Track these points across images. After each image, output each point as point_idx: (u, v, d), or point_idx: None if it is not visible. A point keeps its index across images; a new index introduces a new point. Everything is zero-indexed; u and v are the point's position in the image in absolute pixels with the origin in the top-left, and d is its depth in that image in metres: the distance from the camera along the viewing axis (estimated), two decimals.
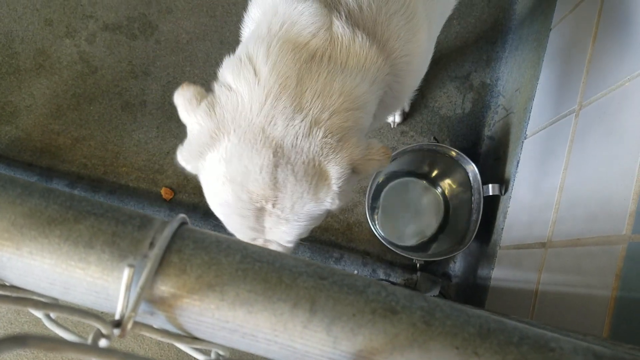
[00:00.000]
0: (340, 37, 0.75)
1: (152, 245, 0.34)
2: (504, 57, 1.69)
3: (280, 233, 0.78)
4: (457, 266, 1.61)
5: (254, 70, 0.72)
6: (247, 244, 0.36)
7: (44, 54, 1.69)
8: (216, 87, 0.77)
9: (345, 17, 0.76)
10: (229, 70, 0.76)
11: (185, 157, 0.77)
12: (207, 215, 1.64)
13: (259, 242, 0.82)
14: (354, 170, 0.76)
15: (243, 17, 1.70)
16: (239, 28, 1.70)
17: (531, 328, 0.34)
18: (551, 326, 0.73)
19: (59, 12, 1.71)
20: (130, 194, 1.65)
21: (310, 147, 0.71)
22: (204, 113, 0.73)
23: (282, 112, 0.70)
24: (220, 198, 0.76)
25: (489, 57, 1.70)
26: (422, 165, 1.61)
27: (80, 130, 1.67)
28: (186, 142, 0.77)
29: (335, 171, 0.74)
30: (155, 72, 1.70)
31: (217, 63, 1.69)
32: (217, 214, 0.81)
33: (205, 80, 1.69)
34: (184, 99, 0.76)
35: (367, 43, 0.76)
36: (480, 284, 1.42)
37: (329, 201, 0.76)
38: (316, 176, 0.73)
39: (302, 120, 0.71)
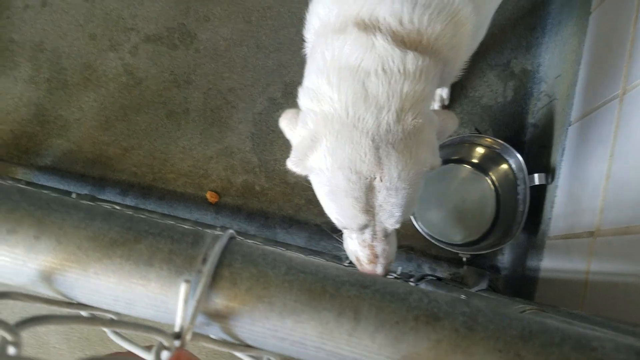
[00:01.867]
0: (389, 57, 0.83)
1: (204, 260, 0.36)
2: (544, 42, 1.65)
3: (391, 207, 0.88)
4: (505, 258, 1.60)
5: (328, 97, 0.85)
6: (291, 255, 0.38)
7: (90, 68, 1.76)
8: (302, 111, 0.91)
9: (389, 37, 0.84)
10: (307, 99, 0.89)
11: (294, 162, 0.91)
12: (250, 216, 1.68)
13: (368, 239, 0.96)
14: (438, 135, 0.91)
15: (278, 20, 1.73)
16: (274, 32, 1.73)
17: (573, 328, 0.35)
18: (601, 317, 0.72)
19: (101, 27, 1.78)
20: (178, 199, 1.71)
21: (403, 127, 0.83)
22: (301, 127, 0.89)
23: (366, 110, 0.82)
24: (332, 185, 0.87)
25: (529, 43, 1.67)
26: (462, 152, 1.58)
27: (128, 140, 1.73)
28: (292, 152, 0.92)
29: (429, 138, 0.87)
30: (196, 80, 1.74)
31: (254, 67, 1.73)
32: (330, 206, 0.92)
33: (244, 85, 1.73)
34: (286, 122, 0.93)
35: (419, 57, 0.84)
36: (529, 276, 1.41)
37: (430, 161, 0.87)
38: (414, 146, 0.84)
39: (388, 112, 0.82)
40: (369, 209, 0.89)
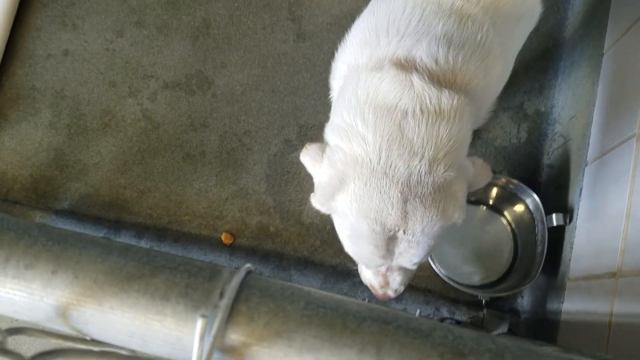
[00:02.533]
0: (426, 95, 0.83)
1: (221, 295, 0.35)
2: (557, 84, 1.66)
3: (410, 256, 0.89)
4: (524, 301, 1.56)
5: (360, 136, 0.83)
6: (310, 290, 0.38)
7: (109, 113, 1.80)
8: (328, 148, 0.90)
9: (426, 76, 0.85)
10: (336, 137, 0.88)
11: (319, 201, 0.90)
12: (265, 258, 1.67)
13: (382, 270, 0.97)
14: (468, 188, 0.91)
15: (292, 65, 1.76)
16: (289, 76, 1.76)
17: None
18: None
19: (121, 74, 1.82)
20: (193, 241, 1.70)
21: (434, 180, 0.82)
22: (327, 166, 0.88)
23: (399, 157, 0.81)
24: (355, 231, 0.87)
25: (542, 85, 1.68)
26: (481, 194, 1.57)
27: (145, 183, 1.75)
28: (316, 189, 0.92)
29: (458, 193, 0.87)
30: (212, 124, 1.77)
31: (270, 111, 1.75)
32: (350, 246, 0.93)
33: (259, 127, 1.75)
34: (309, 157, 0.92)
35: (454, 95, 0.85)
36: (550, 319, 1.37)
37: (456, 216, 0.87)
38: (442, 200, 0.84)
39: (421, 161, 0.81)
40: (388, 255, 0.90)
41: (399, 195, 0.82)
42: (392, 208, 0.82)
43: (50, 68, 1.84)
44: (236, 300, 0.35)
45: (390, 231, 0.85)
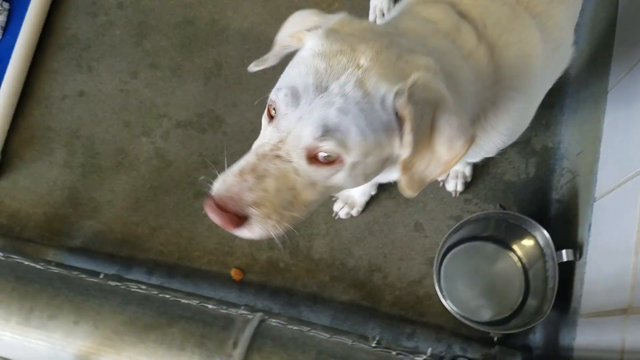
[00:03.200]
0: (467, 36, 0.93)
1: (235, 344, 0.37)
2: (563, 120, 1.68)
3: (320, 117, 0.77)
4: (537, 337, 1.54)
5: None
6: (321, 339, 0.39)
7: (123, 152, 1.84)
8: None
9: (474, 27, 0.94)
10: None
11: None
12: (274, 294, 1.67)
13: (267, 145, 0.82)
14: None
15: None
16: None
17: None
18: None
19: (135, 114, 1.87)
20: (203, 277, 1.71)
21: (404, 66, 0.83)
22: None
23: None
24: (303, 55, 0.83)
25: (548, 121, 1.70)
26: (489, 229, 1.57)
27: (157, 220, 1.77)
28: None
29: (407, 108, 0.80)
30: (223, 161, 1.79)
31: None
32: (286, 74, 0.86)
33: None
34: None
35: (486, 53, 0.93)
36: (563, 355, 1.36)
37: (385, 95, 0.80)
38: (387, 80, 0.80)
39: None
40: (309, 97, 0.78)
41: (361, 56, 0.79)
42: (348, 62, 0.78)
43: (65, 109, 1.89)
44: (249, 349, 0.37)
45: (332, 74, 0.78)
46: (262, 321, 0.38)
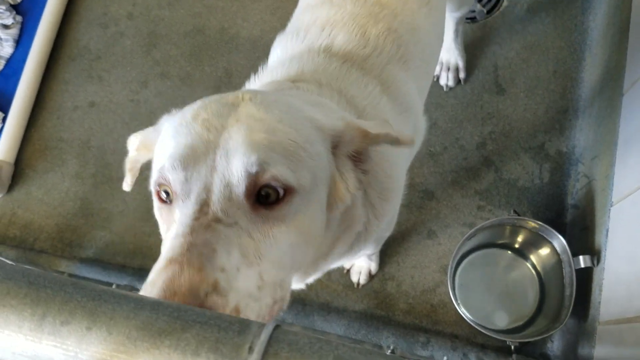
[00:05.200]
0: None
1: (250, 349, 0.36)
2: (577, 124, 1.66)
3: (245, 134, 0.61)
4: (555, 346, 1.52)
5: None
6: (338, 344, 0.38)
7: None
8: None
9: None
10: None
11: None
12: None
13: (190, 208, 0.60)
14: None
15: None
16: None
17: None
18: None
19: (146, 124, 1.85)
20: None
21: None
22: None
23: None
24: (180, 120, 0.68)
25: (562, 125, 1.68)
26: (505, 236, 1.55)
27: None
28: None
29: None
30: None
31: None
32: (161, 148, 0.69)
33: None
34: None
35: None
36: None
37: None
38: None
39: None
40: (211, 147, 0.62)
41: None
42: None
43: (77, 119, 1.90)
44: (265, 354, 0.35)
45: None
46: (277, 326, 0.37)
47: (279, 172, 0.60)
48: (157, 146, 0.70)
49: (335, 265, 1.00)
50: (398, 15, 1.00)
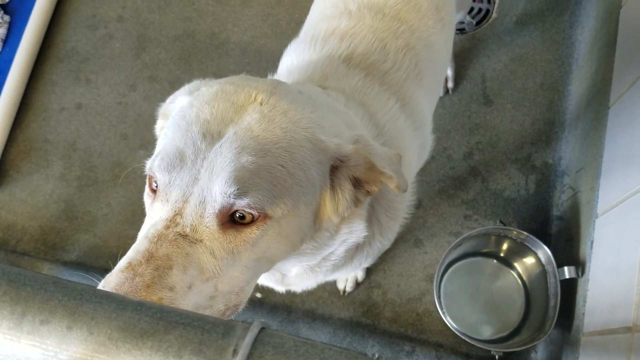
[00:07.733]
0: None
1: (235, 352, 0.35)
2: (563, 136, 1.68)
3: (222, 165, 0.61)
4: (539, 356, 1.52)
5: None
6: (324, 347, 0.37)
7: (120, 165, 1.82)
8: None
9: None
10: None
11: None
12: (272, 310, 1.65)
13: (166, 212, 0.63)
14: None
15: None
16: None
17: None
18: None
19: (133, 127, 1.86)
20: None
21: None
22: None
23: None
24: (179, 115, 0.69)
25: (549, 137, 1.69)
26: (490, 245, 1.56)
27: None
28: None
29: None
30: None
31: None
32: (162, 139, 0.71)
33: None
34: None
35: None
36: None
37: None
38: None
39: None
40: (199, 159, 0.63)
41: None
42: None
43: (63, 121, 1.88)
44: (249, 357, 0.35)
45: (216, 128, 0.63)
46: (263, 328, 0.37)
47: (255, 202, 0.62)
48: (168, 123, 0.72)
49: (332, 277, 1.01)
50: (415, 31, 1.01)
